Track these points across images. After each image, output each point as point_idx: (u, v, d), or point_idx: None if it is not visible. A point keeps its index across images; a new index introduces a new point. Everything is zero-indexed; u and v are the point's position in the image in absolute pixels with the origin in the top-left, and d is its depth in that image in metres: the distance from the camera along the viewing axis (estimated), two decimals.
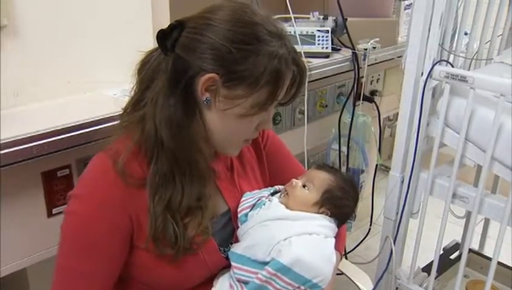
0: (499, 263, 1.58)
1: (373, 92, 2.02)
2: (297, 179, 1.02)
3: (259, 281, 0.90)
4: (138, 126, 0.87)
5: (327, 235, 0.98)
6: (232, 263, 0.94)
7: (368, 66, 1.79)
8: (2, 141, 0.97)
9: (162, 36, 0.83)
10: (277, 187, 1.07)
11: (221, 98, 0.83)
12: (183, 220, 0.88)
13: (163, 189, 0.86)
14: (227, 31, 0.81)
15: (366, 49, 1.76)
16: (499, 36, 1.56)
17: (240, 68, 0.81)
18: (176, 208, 0.87)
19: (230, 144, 0.93)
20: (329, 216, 1.00)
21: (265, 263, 0.91)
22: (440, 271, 1.70)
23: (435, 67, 1.29)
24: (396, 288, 1.56)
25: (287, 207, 0.99)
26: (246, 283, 0.92)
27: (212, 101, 0.84)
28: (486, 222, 1.92)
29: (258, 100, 0.84)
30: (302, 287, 0.91)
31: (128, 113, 0.91)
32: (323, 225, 0.98)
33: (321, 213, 0.99)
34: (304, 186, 1.01)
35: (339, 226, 1.02)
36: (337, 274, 1.07)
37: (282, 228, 0.94)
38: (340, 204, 1.01)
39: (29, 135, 1.01)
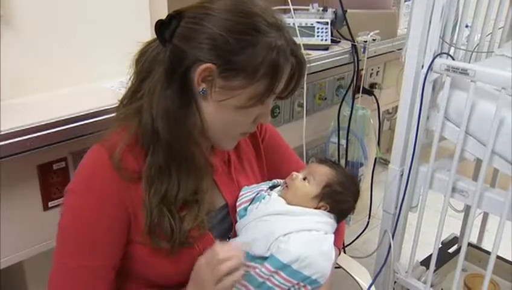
0: (498, 257, 1.58)
1: (372, 85, 2.01)
2: (298, 172, 1.02)
3: (259, 278, 0.90)
4: (135, 118, 0.86)
5: (327, 231, 0.97)
6: None
7: (368, 58, 1.78)
8: None
9: (161, 26, 0.83)
10: (276, 181, 1.06)
11: (217, 88, 0.83)
12: (179, 213, 0.88)
13: (158, 182, 0.86)
14: (225, 21, 0.80)
15: (365, 42, 1.75)
16: (500, 29, 1.55)
17: (237, 59, 0.80)
18: (172, 201, 0.87)
19: (226, 137, 0.92)
20: (329, 211, 0.99)
21: (264, 258, 0.91)
22: (439, 265, 1.70)
23: (436, 60, 1.28)
24: (395, 282, 1.56)
25: (286, 199, 0.98)
26: None
27: (209, 92, 0.83)
28: (485, 216, 1.92)
29: (256, 92, 0.83)
30: (301, 284, 0.91)
31: (124, 105, 0.91)
32: (323, 221, 0.97)
33: (320, 207, 0.99)
34: (304, 179, 1.00)
35: (338, 222, 1.02)
36: (335, 268, 1.07)
37: (281, 224, 0.93)
38: (340, 199, 1.01)
39: (24, 128, 1.00)
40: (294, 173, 1.01)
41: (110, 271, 0.88)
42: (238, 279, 0.83)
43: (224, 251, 0.83)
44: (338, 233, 1.03)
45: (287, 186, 1.01)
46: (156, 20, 0.83)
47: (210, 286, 0.83)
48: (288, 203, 0.98)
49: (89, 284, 0.85)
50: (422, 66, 1.31)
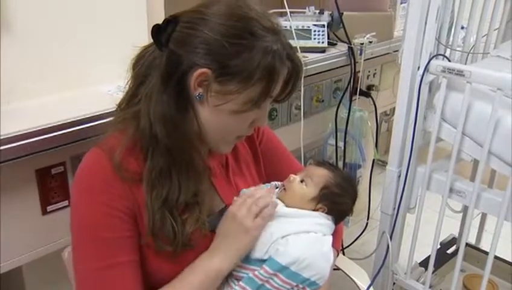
0: (496, 257, 1.58)
1: (370, 87, 2.02)
2: (295, 174, 1.02)
3: (258, 280, 0.90)
4: (133, 122, 0.87)
5: (325, 233, 0.97)
6: None
7: (364, 60, 1.78)
8: None
9: (157, 31, 0.83)
10: (274, 183, 1.06)
11: (213, 93, 0.83)
12: (181, 216, 0.88)
13: (160, 185, 0.86)
14: (220, 26, 0.81)
15: (362, 44, 1.76)
16: (495, 30, 1.55)
17: (233, 63, 0.81)
18: (173, 204, 0.87)
19: (223, 141, 0.93)
20: (327, 213, 1.00)
21: (262, 261, 0.91)
22: (437, 266, 1.70)
23: (432, 61, 1.28)
24: (394, 283, 1.56)
25: (284, 202, 0.98)
26: (240, 279, 0.92)
27: (205, 96, 0.84)
28: (483, 216, 1.93)
29: (251, 96, 0.83)
30: (300, 286, 0.91)
31: (122, 109, 0.91)
32: (320, 223, 0.98)
33: (318, 209, 0.99)
34: (302, 181, 1.00)
35: (336, 223, 1.02)
36: (334, 269, 1.07)
37: (280, 226, 0.93)
38: (338, 201, 1.01)
39: (23, 132, 1.00)
40: (292, 176, 1.01)
41: (137, 266, 0.87)
42: (273, 212, 0.92)
43: (259, 191, 0.94)
44: (336, 234, 1.03)
45: (284, 188, 1.01)
46: (153, 24, 0.83)
47: (249, 222, 0.89)
48: (287, 206, 0.98)
49: (118, 281, 0.85)
50: (419, 68, 1.32)
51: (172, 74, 0.82)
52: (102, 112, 1.10)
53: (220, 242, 0.91)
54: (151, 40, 0.85)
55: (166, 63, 0.82)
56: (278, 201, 0.99)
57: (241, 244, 0.90)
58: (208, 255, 0.90)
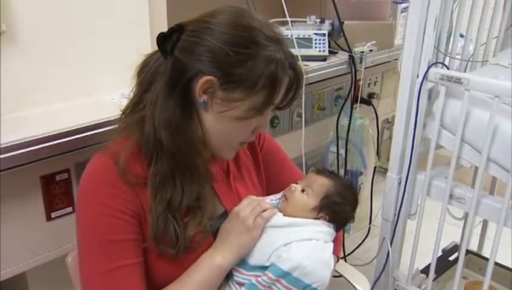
0: (498, 264, 1.58)
1: (371, 95, 2.03)
2: (296, 183, 1.03)
3: (261, 286, 0.91)
4: (137, 128, 0.88)
5: (326, 240, 0.98)
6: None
7: (365, 68, 1.80)
8: (1, 146, 0.98)
9: (162, 39, 0.85)
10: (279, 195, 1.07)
11: (218, 100, 0.85)
12: (183, 219, 0.90)
13: (163, 189, 0.87)
14: (225, 35, 0.83)
15: (362, 52, 1.77)
16: (494, 38, 1.57)
17: (237, 71, 0.83)
18: (176, 207, 0.88)
19: (226, 147, 0.94)
20: (328, 221, 1.01)
21: (264, 267, 0.92)
22: (439, 272, 1.70)
23: (430, 69, 1.29)
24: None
25: (286, 211, 0.99)
26: (243, 284, 0.93)
27: (210, 103, 0.85)
28: (485, 223, 1.92)
29: (255, 103, 0.85)
30: None
31: (127, 115, 0.92)
32: (322, 231, 0.98)
33: (319, 218, 1.00)
34: (302, 191, 1.01)
35: (337, 230, 1.03)
36: (336, 276, 1.08)
37: (282, 235, 0.95)
38: (339, 210, 1.01)
39: (27, 140, 1.02)
40: (293, 185, 1.02)
41: (143, 267, 0.88)
42: (272, 214, 0.96)
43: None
44: (336, 241, 1.04)
45: (286, 198, 1.02)
46: (156, 32, 0.85)
47: (249, 221, 0.93)
48: (288, 215, 0.99)
49: (124, 283, 0.86)
50: (418, 76, 1.33)
51: (178, 80, 0.84)
52: (106, 120, 1.11)
53: (222, 239, 0.93)
54: (154, 49, 0.87)
55: (172, 70, 0.84)
56: (280, 213, 1.00)
57: (243, 242, 0.92)
58: (211, 252, 0.92)
